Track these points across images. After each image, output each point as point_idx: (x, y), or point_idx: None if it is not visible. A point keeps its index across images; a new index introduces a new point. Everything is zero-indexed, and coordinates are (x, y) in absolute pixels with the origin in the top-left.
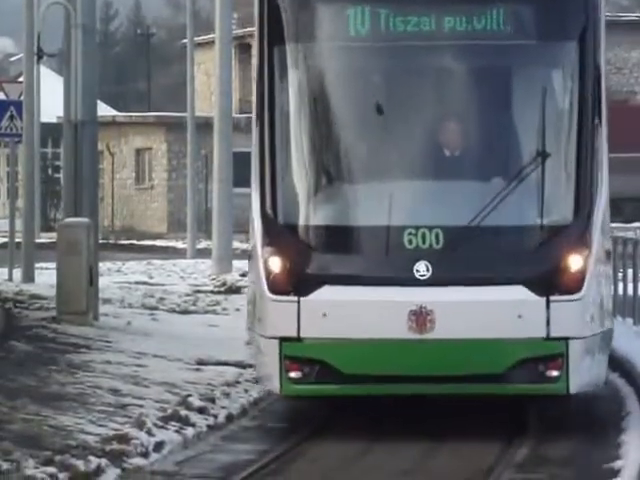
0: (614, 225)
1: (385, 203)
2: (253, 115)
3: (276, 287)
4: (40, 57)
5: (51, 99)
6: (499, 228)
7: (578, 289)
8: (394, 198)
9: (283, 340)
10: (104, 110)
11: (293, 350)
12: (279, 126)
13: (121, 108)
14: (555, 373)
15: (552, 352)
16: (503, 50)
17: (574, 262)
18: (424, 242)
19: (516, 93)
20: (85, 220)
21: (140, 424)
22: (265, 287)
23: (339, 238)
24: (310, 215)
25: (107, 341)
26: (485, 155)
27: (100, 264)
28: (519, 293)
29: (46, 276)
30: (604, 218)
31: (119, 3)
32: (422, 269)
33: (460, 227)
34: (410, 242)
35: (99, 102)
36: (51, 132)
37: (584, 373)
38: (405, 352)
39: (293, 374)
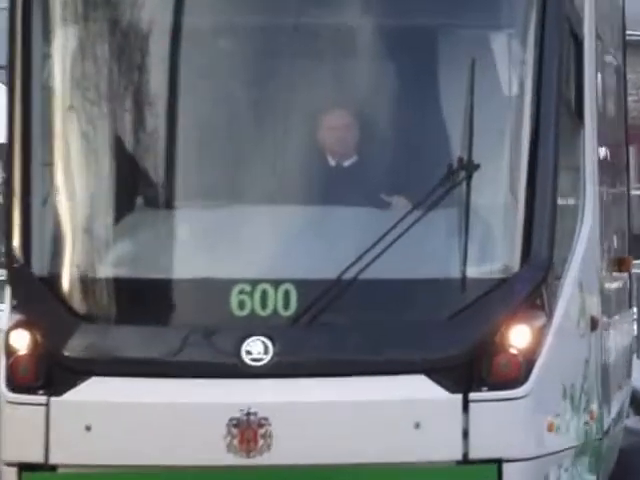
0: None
1: (200, 241)
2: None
3: (16, 379)
4: None
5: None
6: (389, 283)
7: (519, 381)
8: (215, 234)
9: (23, 468)
10: None
11: None
12: (38, 131)
13: None
14: None
15: None
16: (408, 31)
17: (514, 336)
18: (264, 307)
19: (436, 85)
20: None
21: None
22: (1, 379)
23: (121, 299)
24: (78, 262)
25: None
26: (374, 170)
27: None
28: (418, 388)
29: None
30: (587, 265)
31: None
32: (257, 351)
33: (323, 282)
34: (241, 306)
35: None
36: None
37: None
38: None
39: None
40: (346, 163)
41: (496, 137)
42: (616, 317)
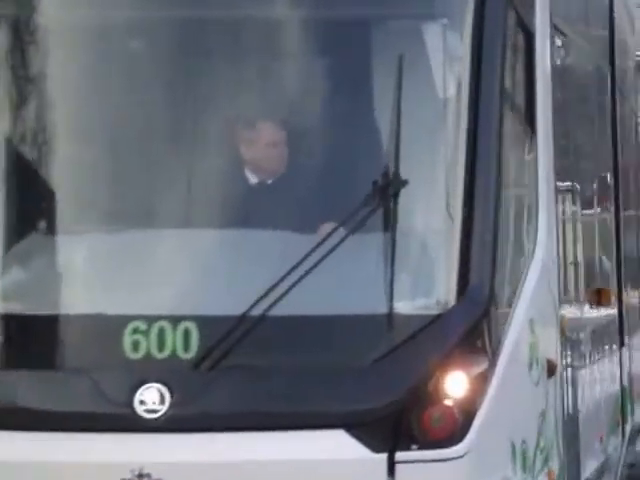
0: None
1: (92, 271)
2: None
3: None
4: None
5: None
6: (305, 320)
7: (455, 438)
8: (110, 262)
9: None
10: None
11: None
12: None
13: None
14: None
15: None
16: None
17: (449, 384)
18: (161, 348)
19: (363, 88)
20: None
21: None
22: None
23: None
24: None
25: None
26: (297, 189)
27: None
28: (335, 445)
29: None
30: (541, 300)
31: None
32: (151, 400)
33: (229, 319)
34: (134, 348)
35: None
36: None
37: None
38: None
39: None
40: (268, 181)
41: (430, 151)
42: (594, 358)
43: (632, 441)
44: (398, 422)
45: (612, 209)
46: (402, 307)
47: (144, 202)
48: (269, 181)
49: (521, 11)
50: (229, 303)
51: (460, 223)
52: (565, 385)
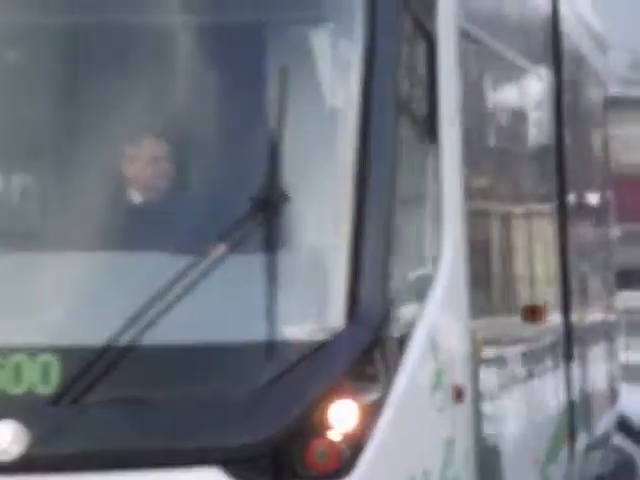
0: None
1: None
2: None
3: None
4: None
5: None
6: (177, 350)
7: (340, 473)
8: None
9: None
10: None
11: None
12: None
13: None
14: None
15: None
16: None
17: (335, 416)
18: (17, 382)
19: (247, 98)
20: None
21: None
22: None
23: None
24: None
25: None
26: (177, 207)
27: None
28: None
29: None
30: (447, 321)
31: None
32: (5, 440)
33: (93, 350)
34: None
35: None
36: None
37: None
38: None
39: None
40: (150, 200)
41: (318, 165)
42: (525, 378)
43: (593, 454)
44: (280, 457)
45: (557, 223)
46: (286, 333)
47: (13, 223)
48: (151, 199)
49: (421, 16)
50: (94, 332)
51: (350, 241)
52: (481, 410)
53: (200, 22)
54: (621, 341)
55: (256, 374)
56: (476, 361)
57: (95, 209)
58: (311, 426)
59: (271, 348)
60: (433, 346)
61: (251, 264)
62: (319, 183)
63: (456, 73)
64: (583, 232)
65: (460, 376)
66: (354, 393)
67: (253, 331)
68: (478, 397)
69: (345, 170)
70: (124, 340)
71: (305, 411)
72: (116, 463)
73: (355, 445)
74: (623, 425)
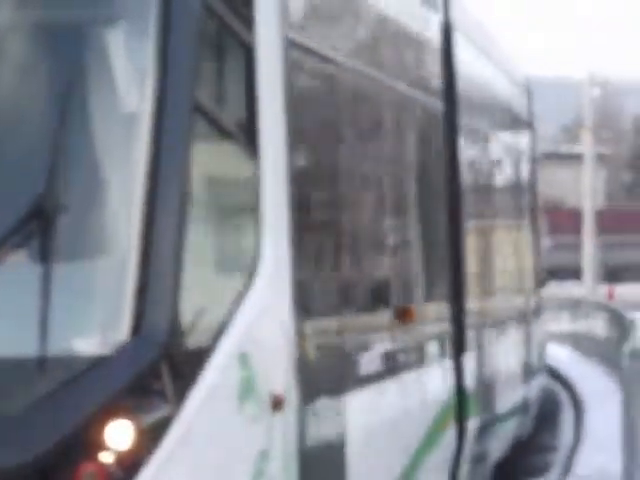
0: None
1: None
2: None
3: None
4: None
5: None
6: None
7: None
8: None
9: None
10: None
11: None
12: None
13: None
14: None
15: None
16: None
17: (107, 436)
18: None
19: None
20: None
21: None
22: None
23: None
24: None
25: None
26: None
27: None
28: None
29: None
30: (264, 331)
31: None
32: None
33: None
34: None
35: None
36: None
37: None
38: None
39: None
40: None
41: (103, 170)
42: (391, 375)
43: (496, 427)
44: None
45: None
46: (55, 348)
47: None
48: None
49: (233, 23)
50: None
51: (137, 252)
52: (318, 414)
53: None
54: (549, 317)
55: (26, 392)
56: (305, 366)
57: None
58: (81, 447)
59: (45, 364)
60: (242, 356)
61: (30, 274)
62: (107, 190)
63: (280, 83)
64: (498, 239)
65: (278, 385)
66: (135, 412)
67: (23, 345)
68: (308, 402)
69: (134, 178)
70: None
71: (75, 431)
72: None
73: (129, 467)
74: (550, 372)
